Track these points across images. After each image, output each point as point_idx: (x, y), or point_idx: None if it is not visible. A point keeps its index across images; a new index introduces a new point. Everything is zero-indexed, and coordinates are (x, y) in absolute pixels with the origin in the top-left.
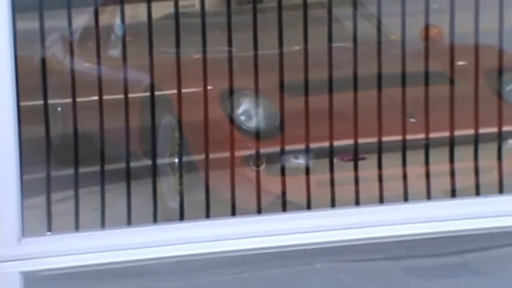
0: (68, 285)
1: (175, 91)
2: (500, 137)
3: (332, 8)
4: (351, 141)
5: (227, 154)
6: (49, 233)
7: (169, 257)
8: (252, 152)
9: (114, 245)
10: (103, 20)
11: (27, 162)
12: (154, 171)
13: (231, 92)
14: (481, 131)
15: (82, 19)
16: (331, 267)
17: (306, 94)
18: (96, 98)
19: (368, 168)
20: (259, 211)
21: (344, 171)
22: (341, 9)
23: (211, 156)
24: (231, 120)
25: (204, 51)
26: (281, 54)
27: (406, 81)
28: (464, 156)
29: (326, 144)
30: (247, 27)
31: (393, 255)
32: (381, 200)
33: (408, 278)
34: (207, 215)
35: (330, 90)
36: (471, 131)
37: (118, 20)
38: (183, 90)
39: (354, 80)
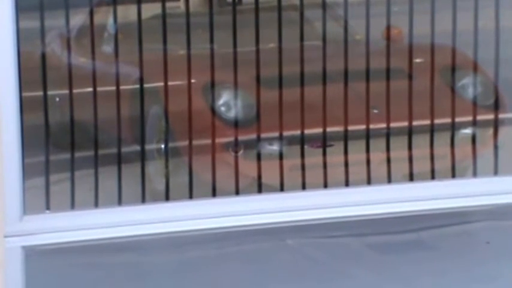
0: (64, 258)
1: (162, 84)
2: (453, 127)
3: (303, 10)
4: (320, 130)
5: (208, 141)
6: (48, 211)
7: (156, 234)
8: (231, 139)
9: (106, 223)
10: (97, 19)
11: (28, 147)
12: (142, 156)
13: (213, 85)
14: (436, 121)
15: (78, 19)
16: (301, 243)
17: (280, 87)
18: (90, 89)
19: (335, 154)
20: (237, 192)
21: (314, 157)
22: (311, 11)
23: (194, 142)
24: (212, 110)
25: (188, 48)
26: (258, 51)
27: (369, 76)
28: (421, 144)
29: (298, 132)
30: (227, 27)
31: (357, 232)
32: (347, 183)
33: (370, 252)
34: (190, 196)
35: (302, 84)
36: (427, 122)
37: (111, 20)
38: (169, 83)
39: (322, 75)
